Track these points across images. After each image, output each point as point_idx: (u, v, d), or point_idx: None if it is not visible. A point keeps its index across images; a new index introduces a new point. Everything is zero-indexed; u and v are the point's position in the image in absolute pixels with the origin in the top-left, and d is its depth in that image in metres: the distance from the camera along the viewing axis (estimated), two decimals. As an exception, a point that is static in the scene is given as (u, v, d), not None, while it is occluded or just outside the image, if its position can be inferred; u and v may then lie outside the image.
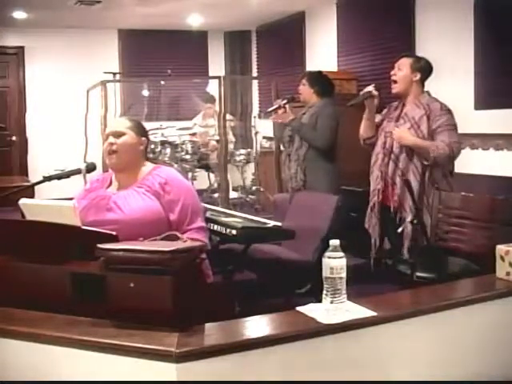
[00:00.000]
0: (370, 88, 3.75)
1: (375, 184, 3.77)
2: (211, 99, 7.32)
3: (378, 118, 3.88)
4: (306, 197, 4.34)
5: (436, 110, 3.60)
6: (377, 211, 3.77)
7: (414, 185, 3.51)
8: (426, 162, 3.57)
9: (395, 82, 3.73)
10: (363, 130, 3.89)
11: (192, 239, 2.56)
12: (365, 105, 3.79)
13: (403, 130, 3.62)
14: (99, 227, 2.36)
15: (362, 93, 3.80)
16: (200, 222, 2.68)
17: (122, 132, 2.67)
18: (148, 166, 2.74)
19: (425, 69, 3.73)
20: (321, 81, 4.83)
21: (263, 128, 7.33)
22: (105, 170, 5.33)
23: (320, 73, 5.00)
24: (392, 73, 3.75)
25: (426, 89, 3.76)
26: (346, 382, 1.95)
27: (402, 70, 3.71)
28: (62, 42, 8.24)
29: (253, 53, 9.05)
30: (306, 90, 4.79)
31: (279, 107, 4.86)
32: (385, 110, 3.90)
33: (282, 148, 5.64)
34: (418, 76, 3.69)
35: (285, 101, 4.90)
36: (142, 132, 2.76)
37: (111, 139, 2.66)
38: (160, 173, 2.68)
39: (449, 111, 3.63)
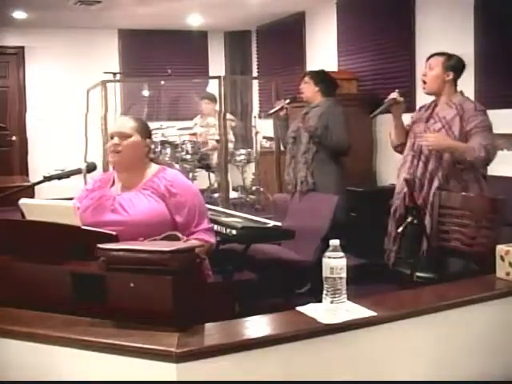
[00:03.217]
0: (395, 95, 3.59)
1: (401, 187, 3.61)
2: (209, 96, 7.30)
3: (409, 120, 3.74)
4: (306, 197, 4.34)
5: (470, 111, 3.43)
6: (399, 214, 3.59)
7: (434, 186, 3.44)
8: (459, 166, 3.41)
9: (425, 82, 3.57)
10: (394, 137, 3.75)
11: (199, 239, 2.56)
12: (389, 111, 3.64)
13: (438, 134, 3.42)
14: (103, 228, 2.36)
15: (386, 100, 3.62)
16: (207, 224, 2.67)
17: (128, 134, 2.65)
18: (153, 168, 2.72)
19: (458, 67, 3.57)
20: (325, 79, 4.78)
21: (263, 128, 7.33)
22: (105, 170, 5.33)
23: (324, 71, 4.95)
24: (423, 73, 3.60)
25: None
26: (346, 382, 1.95)
27: (434, 69, 3.54)
28: (62, 41, 8.24)
29: (253, 53, 9.05)
30: (309, 89, 4.71)
31: (281, 108, 4.83)
32: (415, 113, 3.75)
33: (282, 148, 5.62)
34: (451, 75, 3.53)
35: (287, 101, 4.86)
36: (148, 133, 2.75)
37: (116, 140, 2.64)
38: (166, 175, 2.67)
39: (483, 112, 3.47)
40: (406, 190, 3.52)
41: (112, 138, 2.67)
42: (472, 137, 3.40)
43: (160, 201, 2.59)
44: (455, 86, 3.58)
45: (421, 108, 3.74)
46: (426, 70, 3.59)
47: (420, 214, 3.30)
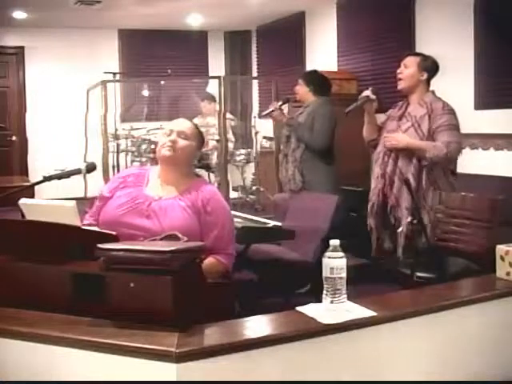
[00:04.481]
0: (368, 92, 3.74)
1: (375, 183, 3.76)
2: (208, 97, 7.31)
3: (383, 117, 3.86)
4: (305, 197, 4.34)
5: (438, 110, 3.57)
6: (376, 210, 3.75)
7: (413, 184, 3.49)
8: (424, 163, 3.55)
9: (400, 79, 3.70)
10: (366, 132, 3.89)
11: (218, 260, 2.52)
12: (364, 108, 3.79)
13: (397, 134, 3.61)
14: (134, 231, 2.38)
15: (359, 97, 3.78)
16: (231, 249, 2.62)
17: (188, 135, 2.63)
18: (193, 178, 2.69)
19: (432, 68, 3.70)
20: (316, 79, 4.85)
21: (263, 128, 7.33)
22: (105, 170, 5.33)
23: (316, 72, 5.03)
24: (398, 71, 3.73)
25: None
26: (346, 382, 1.95)
27: (409, 68, 3.68)
28: (62, 42, 8.24)
29: (253, 53, 9.05)
30: (301, 89, 4.82)
31: (274, 110, 4.91)
32: (390, 110, 3.87)
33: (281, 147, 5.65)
34: (425, 75, 3.66)
35: (280, 103, 4.96)
36: (201, 144, 2.74)
37: (174, 137, 2.60)
38: (205, 191, 2.61)
39: (451, 111, 3.60)
40: (380, 186, 3.70)
41: (170, 134, 2.63)
42: (437, 134, 3.54)
43: (194, 216, 2.53)
44: (428, 85, 3.72)
45: (395, 106, 3.86)
46: (402, 68, 3.72)
47: (419, 213, 3.31)
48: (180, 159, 2.62)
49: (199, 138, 2.71)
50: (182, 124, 2.69)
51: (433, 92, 3.70)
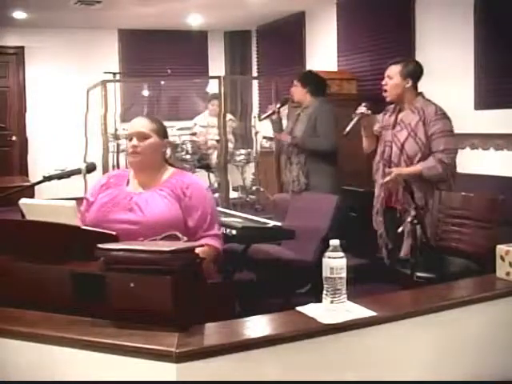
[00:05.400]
0: (362, 109, 3.70)
1: (379, 191, 3.76)
2: (217, 96, 7.30)
3: (376, 125, 3.84)
4: (306, 197, 4.35)
5: (431, 115, 3.54)
6: (381, 214, 3.77)
7: (415, 190, 3.48)
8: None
9: (386, 91, 3.69)
10: (365, 145, 3.88)
11: (207, 245, 2.55)
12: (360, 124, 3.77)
13: (397, 169, 3.56)
14: (119, 225, 2.43)
15: (354, 114, 3.73)
16: (216, 230, 2.67)
17: (147, 134, 2.65)
18: (169, 169, 2.72)
19: (415, 73, 3.67)
20: (313, 80, 4.85)
21: (263, 128, 7.33)
22: (105, 170, 5.34)
23: (311, 72, 5.02)
24: (383, 83, 3.71)
25: (424, 89, 3.71)
26: (346, 382, 1.95)
27: (393, 78, 3.65)
28: (62, 42, 8.24)
29: (253, 53, 9.06)
30: (298, 91, 4.81)
31: (273, 113, 4.91)
32: (380, 116, 3.84)
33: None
34: (410, 82, 3.62)
35: (278, 105, 4.96)
36: (165, 134, 2.76)
37: (135, 141, 2.63)
38: (183, 178, 2.67)
39: (444, 115, 3.57)
40: (383, 195, 3.72)
41: (130, 139, 2.65)
42: (433, 142, 3.53)
43: (175, 202, 2.58)
44: (416, 90, 3.69)
45: (386, 112, 3.84)
46: (386, 80, 3.70)
47: (420, 213, 3.31)
48: (147, 159, 2.65)
49: (160, 129, 2.73)
50: (138, 125, 2.70)
51: (422, 95, 3.67)
